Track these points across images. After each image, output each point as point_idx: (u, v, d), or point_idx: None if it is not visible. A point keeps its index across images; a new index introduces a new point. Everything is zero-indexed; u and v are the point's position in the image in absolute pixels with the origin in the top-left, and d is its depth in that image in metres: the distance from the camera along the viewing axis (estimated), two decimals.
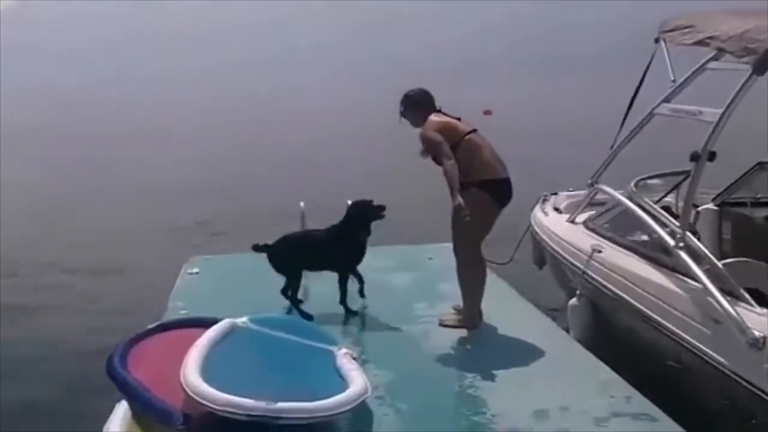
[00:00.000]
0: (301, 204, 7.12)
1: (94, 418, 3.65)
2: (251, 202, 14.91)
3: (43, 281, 9.61)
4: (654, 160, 6.62)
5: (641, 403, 3.97)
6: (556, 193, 7.34)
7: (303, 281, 6.73)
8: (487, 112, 35.97)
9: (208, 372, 3.44)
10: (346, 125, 32.15)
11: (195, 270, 6.70)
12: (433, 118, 5.20)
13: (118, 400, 3.63)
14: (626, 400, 4.00)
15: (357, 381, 3.65)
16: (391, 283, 6.22)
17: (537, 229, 6.80)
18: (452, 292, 5.93)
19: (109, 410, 3.62)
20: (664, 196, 5.82)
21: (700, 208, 5.42)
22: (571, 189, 7.17)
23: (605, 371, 4.39)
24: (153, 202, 15.47)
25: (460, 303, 5.19)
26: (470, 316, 5.05)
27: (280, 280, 6.51)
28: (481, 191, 4.97)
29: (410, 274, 6.48)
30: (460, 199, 4.78)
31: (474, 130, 5.23)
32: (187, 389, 3.29)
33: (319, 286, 6.43)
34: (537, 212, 7.05)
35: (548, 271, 6.80)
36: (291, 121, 34.67)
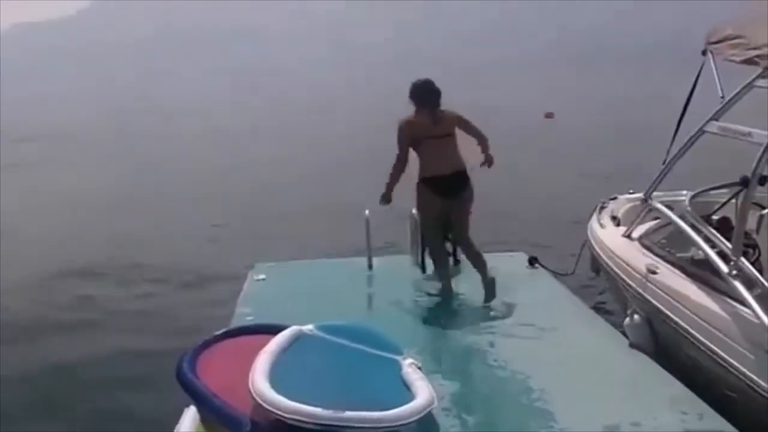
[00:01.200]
0: (366, 212, 7.14)
1: (163, 423, 3.70)
2: (315, 207, 14.97)
3: (112, 286, 9.86)
4: (706, 175, 6.42)
5: (714, 419, 3.86)
6: (615, 198, 7.16)
7: (367, 290, 6.76)
8: (549, 116, 35.29)
9: (275, 379, 3.46)
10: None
11: (261, 276, 6.77)
12: (410, 115, 5.93)
13: (187, 405, 3.68)
14: (698, 417, 3.89)
15: (423, 391, 3.63)
16: (456, 293, 6.18)
17: (593, 242, 6.66)
18: (518, 302, 5.89)
19: (178, 415, 3.67)
20: (721, 207, 5.62)
21: (765, 212, 5.23)
22: (631, 191, 6.99)
23: (676, 386, 4.28)
24: (219, 204, 15.73)
25: (527, 312, 5.50)
26: (445, 288, 6.07)
27: (345, 287, 6.56)
28: (425, 186, 5.88)
29: (476, 284, 6.41)
30: (387, 195, 5.97)
31: (448, 134, 5.86)
32: (255, 396, 3.32)
33: (384, 295, 6.45)
34: (594, 223, 6.90)
35: (604, 280, 6.67)
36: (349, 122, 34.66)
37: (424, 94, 5.88)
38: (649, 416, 3.87)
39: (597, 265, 6.59)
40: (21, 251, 11.72)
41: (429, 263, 6.76)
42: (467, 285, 6.35)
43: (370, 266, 6.99)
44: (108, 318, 8.45)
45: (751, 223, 5.08)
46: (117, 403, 5.89)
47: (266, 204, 15.45)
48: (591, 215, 7.13)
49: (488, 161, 6.08)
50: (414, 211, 6.81)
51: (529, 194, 15.33)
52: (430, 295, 6.27)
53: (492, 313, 5.58)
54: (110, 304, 8.97)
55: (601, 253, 6.31)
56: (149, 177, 20.21)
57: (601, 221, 6.77)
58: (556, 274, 6.97)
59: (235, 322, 5.22)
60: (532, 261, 6.95)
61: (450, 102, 6.15)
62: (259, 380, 3.42)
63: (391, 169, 5.94)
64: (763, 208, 5.27)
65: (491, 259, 7.19)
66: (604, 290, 6.92)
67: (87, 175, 20.83)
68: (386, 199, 6.09)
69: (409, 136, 5.82)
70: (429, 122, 5.82)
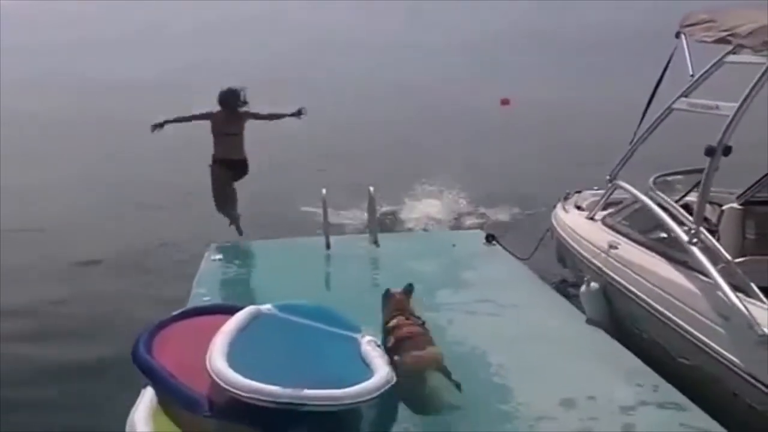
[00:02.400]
0: (323, 191, 7.11)
1: (120, 405, 3.64)
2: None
3: (66, 267, 9.65)
4: (676, 157, 6.53)
5: (669, 391, 3.93)
6: (580, 191, 7.29)
7: (325, 269, 6.74)
8: (505, 102, 35.43)
9: (233, 358, 3.43)
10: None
11: (218, 256, 6.71)
12: (216, 110, 7.56)
13: (144, 387, 3.62)
14: (653, 389, 3.95)
15: (381, 369, 3.64)
16: (414, 270, 6.19)
17: (557, 226, 6.76)
18: (476, 279, 5.93)
19: (135, 397, 3.61)
20: (685, 195, 5.75)
21: (724, 207, 5.36)
22: (596, 187, 7.11)
23: (631, 359, 4.35)
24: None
25: (486, 289, 5.58)
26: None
27: (303, 267, 6.53)
28: (218, 165, 7.53)
29: (434, 261, 6.44)
30: (161, 125, 7.58)
31: (235, 133, 7.53)
32: (213, 376, 3.29)
33: (342, 274, 6.44)
34: (558, 210, 7.01)
35: (568, 264, 6.75)
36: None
37: (224, 98, 7.52)
38: (606, 389, 3.93)
39: (561, 252, 6.68)
40: None
41: (380, 239, 6.83)
42: (424, 263, 6.37)
43: (328, 245, 6.97)
44: (60, 303, 8.29)
45: (711, 218, 5.20)
46: (71, 389, 5.78)
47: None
48: (555, 204, 7.24)
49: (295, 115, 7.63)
50: (371, 188, 6.82)
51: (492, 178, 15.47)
52: (388, 273, 6.28)
53: (450, 290, 5.59)
54: (62, 288, 8.80)
55: (563, 235, 6.39)
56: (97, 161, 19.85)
57: (566, 207, 6.88)
58: (514, 256, 7.03)
59: (192, 303, 5.17)
60: (489, 238, 6.99)
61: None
62: (217, 359, 3.39)
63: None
64: (722, 205, 5.39)
65: (450, 237, 7.28)
66: (563, 274, 6.99)
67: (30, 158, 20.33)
68: (158, 125, 7.61)
69: (212, 124, 7.55)
70: (224, 118, 7.46)
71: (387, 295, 4.35)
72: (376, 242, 6.98)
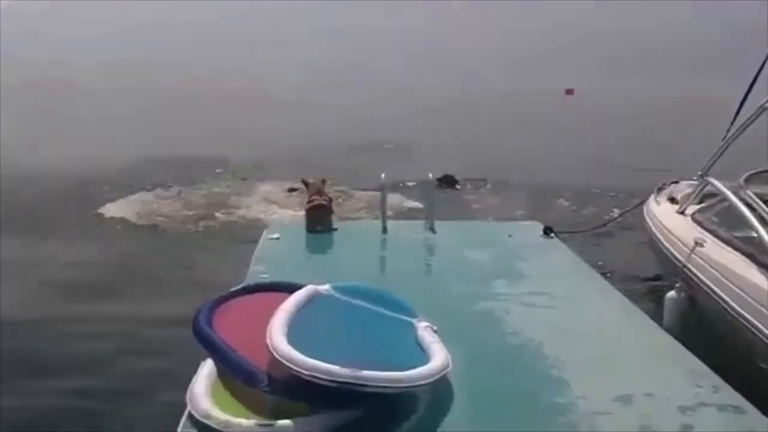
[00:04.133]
0: (382, 176, 7.13)
1: (180, 379, 3.71)
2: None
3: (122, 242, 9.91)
4: None
5: (729, 394, 3.84)
6: (677, 182, 7.17)
7: (381, 252, 6.78)
8: (569, 92, 35.26)
9: (293, 336, 3.48)
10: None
11: (276, 235, 6.77)
12: None
13: (203, 359, 3.69)
14: (713, 390, 3.88)
15: (439, 354, 3.64)
16: (470, 258, 6.18)
17: (648, 220, 6.67)
18: (532, 270, 5.88)
19: (193, 372, 3.68)
20: None
21: None
22: (694, 177, 6.97)
23: (693, 361, 4.26)
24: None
25: (542, 282, 5.45)
26: None
27: (359, 250, 6.57)
28: None
29: (490, 250, 6.40)
30: None
31: None
32: (273, 352, 3.33)
33: (397, 259, 6.46)
34: (651, 201, 6.92)
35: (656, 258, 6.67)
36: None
37: None
38: (663, 388, 3.87)
39: (655, 248, 6.59)
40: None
41: (437, 226, 6.83)
42: (480, 252, 6.34)
43: (385, 229, 6.99)
44: (119, 278, 8.50)
45: None
46: (134, 364, 5.94)
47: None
48: (648, 196, 7.14)
49: None
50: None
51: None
52: (443, 260, 6.27)
53: (506, 281, 5.56)
54: (121, 262, 9.03)
55: (653, 229, 6.31)
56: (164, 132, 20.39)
57: (658, 200, 6.78)
58: (568, 233, 6.98)
59: (249, 280, 5.23)
60: (547, 231, 6.92)
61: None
62: (277, 336, 3.43)
63: None
64: None
65: (506, 228, 7.23)
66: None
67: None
68: None
69: None
70: None
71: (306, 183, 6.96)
72: (432, 229, 6.98)
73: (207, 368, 3.63)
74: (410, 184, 13.58)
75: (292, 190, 13.98)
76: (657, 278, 7.30)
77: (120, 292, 8.44)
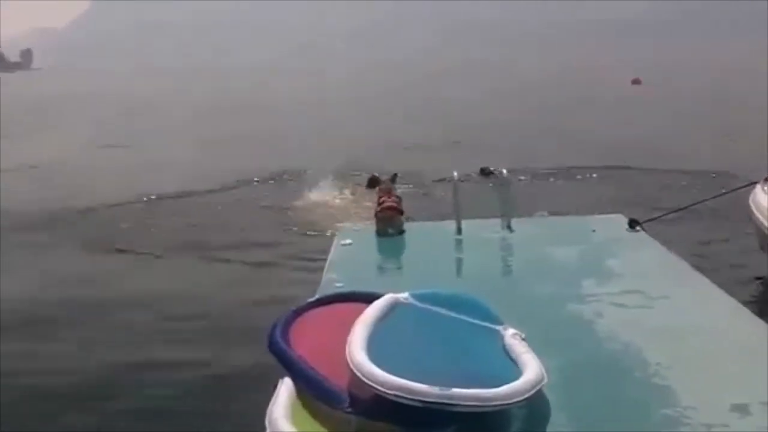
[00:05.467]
0: (455, 174, 6.88)
1: (257, 398, 3.54)
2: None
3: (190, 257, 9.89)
4: None
5: None
6: None
7: (457, 255, 6.53)
8: (636, 81, 34.47)
9: (374, 351, 3.25)
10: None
11: (347, 241, 6.57)
12: None
13: (281, 377, 3.50)
14: None
15: (531, 365, 3.36)
16: (553, 258, 5.85)
17: (757, 214, 6.20)
18: (621, 267, 5.52)
19: (270, 389, 3.49)
20: None
21: None
22: None
23: None
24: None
25: (633, 279, 5.05)
26: None
27: (434, 252, 6.33)
28: None
29: (573, 248, 6.06)
30: None
31: None
32: (355, 371, 3.11)
33: (474, 261, 6.19)
34: (758, 192, 6.44)
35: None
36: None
37: None
38: None
39: (764, 242, 6.14)
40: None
41: (514, 224, 6.54)
42: (563, 250, 6.02)
43: (459, 230, 6.71)
44: (189, 287, 8.45)
45: None
46: (208, 381, 5.83)
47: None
48: (753, 187, 6.69)
49: None
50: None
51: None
52: (524, 260, 5.97)
53: (594, 281, 5.21)
54: (190, 272, 8.99)
55: (764, 221, 5.87)
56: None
57: (766, 189, 6.33)
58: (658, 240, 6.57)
59: (323, 289, 5.04)
60: (633, 224, 6.53)
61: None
62: (358, 353, 3.21)
63: None
64: None
65: (588, 222, 6.88)
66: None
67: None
68: None
69: None
70: None
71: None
72: (509, 227, 6.67)
73: (285, 387, 3.44)
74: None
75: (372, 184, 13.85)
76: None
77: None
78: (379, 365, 3.09)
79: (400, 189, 7.00)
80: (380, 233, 6.63)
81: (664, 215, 6.76)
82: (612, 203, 10.57)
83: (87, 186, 15.40)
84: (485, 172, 15.52)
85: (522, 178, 15.01)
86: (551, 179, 15.14)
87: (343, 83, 38.72)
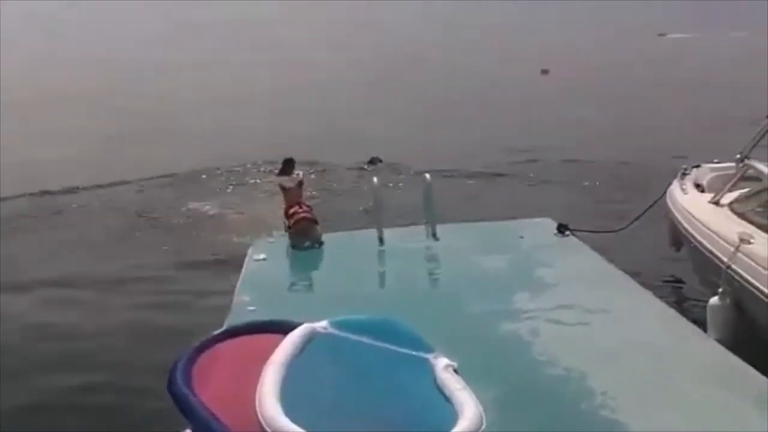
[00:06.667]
0: (375, 179, 6.49)
1: None
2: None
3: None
4: None
5: None
6: (698, 166, 6.50)
7: (379, 268, 6.14)
8: (545, 72, 34.86)
9: (288, 399, 2.80)
10: None
11: (261, 256, 6.07)
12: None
13: (184, 428, 3.01)
14: None
15: (467, 406, 2.94)
16: (482, 269, 5.49)
17: (673, 209, 5.98)
18: (554, 277, 5.21)
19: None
20: None
21: None
22: (716, 161, 6.31)
23: (759, 379, 3.62)
24: None
25: (566, 291, 4.84)
26: None
27: (355, 266, 5.91)
28: None
29: (502, 257, 5.73)
30: None
31: None
32: (265, 426, 2.65)
33: (399, 275, 5.80)
34: (674, 188, 6.22)
35: (686, 255, 6.01)
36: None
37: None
38: (735, 415, 3.23)
39: (677, 238, 5.93)
40: None
41: (438, 231, 6.20)
42: (491, 259, 5.67)
43: (381, 240, 6.29)
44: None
45: None
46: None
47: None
48: (670, 183, 6.49)
49: None
50: (427, 176, 6.27)
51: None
52: (452, 272, 5.60)
53: (528, 294, 4.87)
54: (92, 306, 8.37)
55: (682, 221, 5.65)
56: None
57: (683, 187, 6.11)
58: (597, 233, 6.34)
59: (235, 314, 4.57)
60: (562, 228, 6.23)
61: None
62: (269, 404, 2.74)
63: None
64: None
65: (515, 227, 6.57)
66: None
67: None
68: None
69: None
70: None
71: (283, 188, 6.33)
72: (434, 235, 6.29)
73: None
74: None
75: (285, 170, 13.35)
76: (680, 281, 6.68)
77: None
78: (294, 419, 2.65)
79: (299, 172, 6.68)
80: (296, 246, 6.17)
81: (599, 232, 6.54)
82: (536, 205, 10.35)
83: None
84: (374, 162, 15.72)
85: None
86: (462, 178, 14.83)
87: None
